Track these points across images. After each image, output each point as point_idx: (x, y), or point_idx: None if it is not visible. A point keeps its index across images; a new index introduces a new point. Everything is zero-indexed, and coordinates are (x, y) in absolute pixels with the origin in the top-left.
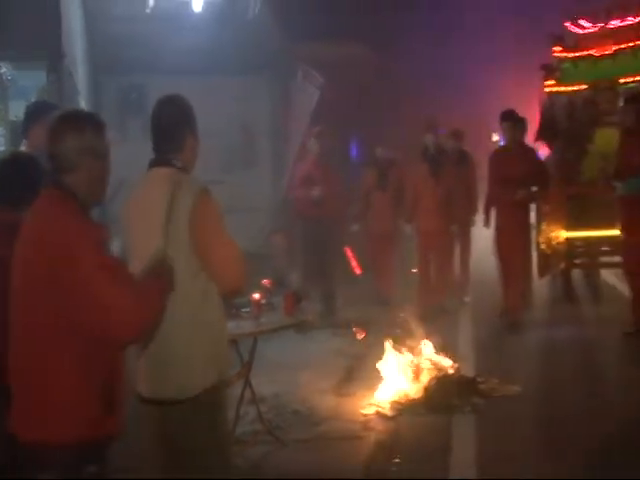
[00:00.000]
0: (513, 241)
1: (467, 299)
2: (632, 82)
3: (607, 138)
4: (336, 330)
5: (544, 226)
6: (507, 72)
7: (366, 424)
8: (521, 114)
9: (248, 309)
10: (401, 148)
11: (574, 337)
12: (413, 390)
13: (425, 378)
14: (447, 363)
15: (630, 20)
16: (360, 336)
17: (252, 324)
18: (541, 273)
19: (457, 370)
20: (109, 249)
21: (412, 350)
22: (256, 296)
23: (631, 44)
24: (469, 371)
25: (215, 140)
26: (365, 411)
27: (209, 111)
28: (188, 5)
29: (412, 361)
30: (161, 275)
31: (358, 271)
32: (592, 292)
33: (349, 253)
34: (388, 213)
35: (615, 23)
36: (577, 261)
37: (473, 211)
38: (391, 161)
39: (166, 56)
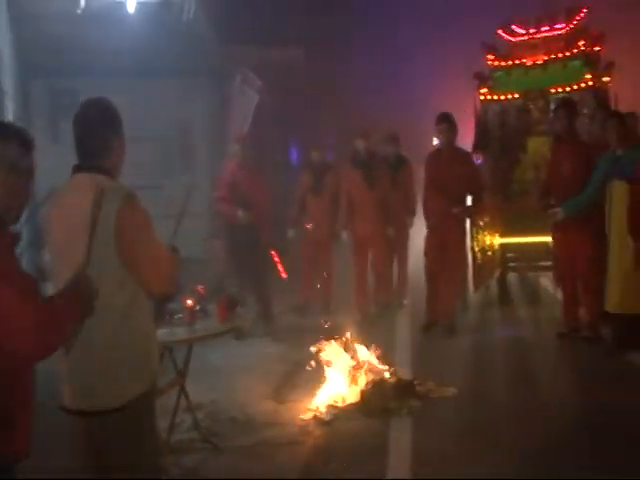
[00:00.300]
0: (448, 241)
1: (406, 302)
2: (562, 92)
3: (539, 147)
4: (275, 336)
5: (479, 234)
6: (447, 77)
7: (304, 429)
8: (460, 120)
9: (181, 315)
10: (338, 152)
11: (509, 339)
12: (350, 394)
13: (362, 382)
14: (384, 367)
15: (559, 30)
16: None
17: (186, 330)
18: (476, 285)
19: (394, 373)
20: (20, 264)
21: (350, 354)
22: (189, 302)
23: (560, 54)
24: (406, 374)
25: (153, 144)
26: (303, 416)
27: (146, 114)
28: (122, 6)
29: (350, 365)
30: (79, 297)
31: (284, 275)
32: (527, 295)
33: (275, 257)
34: (324, 218)
35: (545, 32)
36: (512, 265)
37: (411, 213)
38: (327, 165)
39: (100, 58)
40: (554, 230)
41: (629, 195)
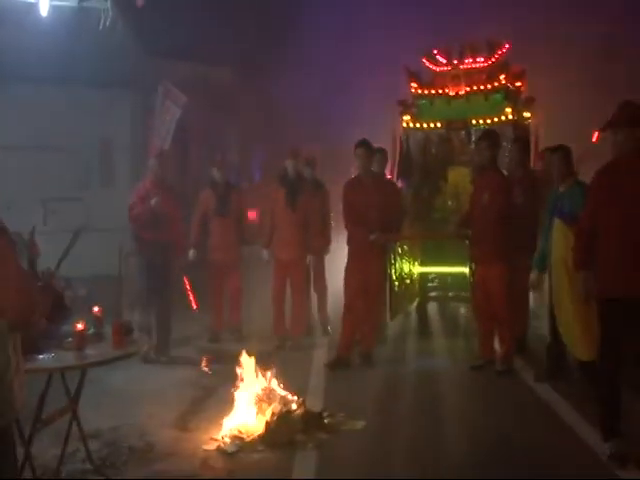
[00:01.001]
0: (368, 274)
1: (330, 328)
2: (483, 124)
3: (459, 177)
4: (183, 360)
5: (397, 262)
6: (375, 103)
7: (205, 461)
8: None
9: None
10: (270, 171)
11: (424, 371)
12: (256, 425)
13: (269, 413)
14: (293, 397)
15: (481, 63)
16: (206, 367)
17: (74, 356)
18: (393, 314)
19: (302, 404)
20: None
21: (259, 384)
22: (79, 326)
23: (482, 87)
24: (317, 405)
25: (71, 155)
26: (206, 447)
27: (64, 124)
28: (34, 8)
29: (257, 395)
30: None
31: (194, 306)
32: (447, 325)
33: (187, 285)
34: (230, 240)
35: (468, 64)
36: (431, 294)
37: (326, 241)
38: (230, 185)
39: (11, 62)
40: (471, 261)
41: (566, 236)
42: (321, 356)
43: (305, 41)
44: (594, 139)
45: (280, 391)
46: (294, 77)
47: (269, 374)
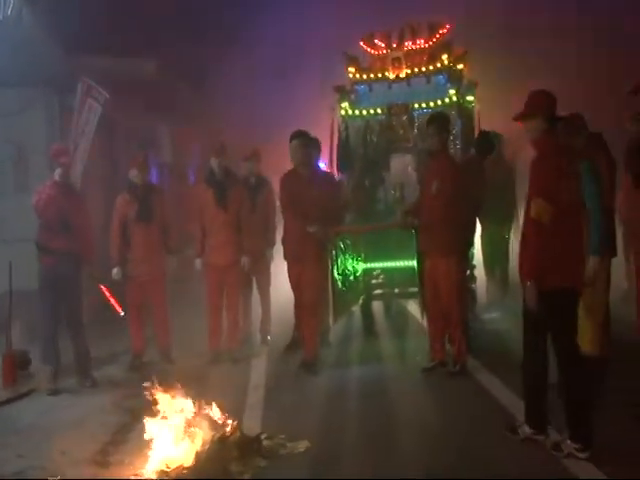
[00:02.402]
0: (307, 273)
1: (269, 338)
2: (426, 107)
3: (403, 165)
4: (109, 382)
5: (339, 258)
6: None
7: None
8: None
9: None
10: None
11: (371, 377)
12: (184, 455)
13: (199, 441)
14: (226, 421)
15: (421, 44)
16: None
17: None
18: (336, 315)
19: (236, 428)
20: None
21: (188, 408)
22: None
23: (423, 68)
24: (254, 427)
25: None
26: None
27: None
28: None
29: (187, 421)
30: None
31: (120, 311)
32: (394, 324)
33: (106, 292)
34: (154, 250)
35: (408, 46)
36: (376, 292)
37: (270, 243)
38: (151, 187)
39: None
40: (420, 255)
41: None
42: (260, 369)
43: (236, 26)
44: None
45: (212, 414)
46: (226, 67)
47: (199, 396)
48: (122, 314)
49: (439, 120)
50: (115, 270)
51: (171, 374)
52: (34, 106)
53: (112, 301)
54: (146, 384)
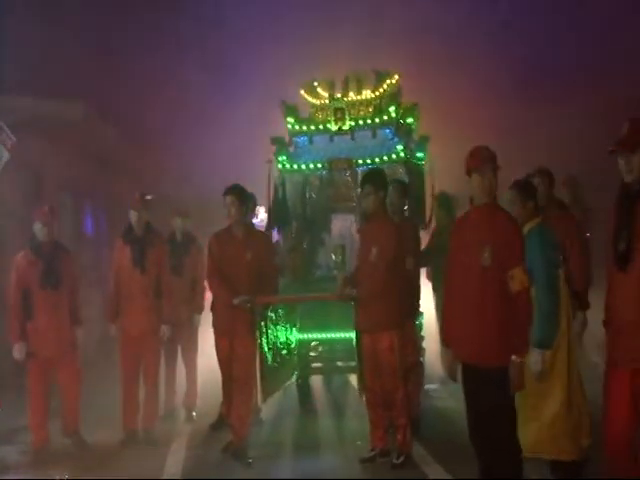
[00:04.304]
0: (237, 347)
1: (194, 414)
2: (371, 163)
3: (345, 227)
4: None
5: (270, 329)
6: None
7: None
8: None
9: None
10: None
11: (305, 468)
12: None
13: None
14: None
15: (367, 95)
16: None
17: None
18: (265, 395)
19: None
20: None
21: None
22: None
23: (369, 121)
24: None
25: None
26: None
27: None
28: None
29: None
30: None
31: None
32: (334, 402)
33: None
34: (61, 322)
35: (352, 96)
36: (314, 365)
37: (197, 308)
38: (56, 245)
39: None
40: (357, 329)
41: None
42: (179, 454)
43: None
44: None
45: None
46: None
47: None
48: None
49: (374, 178)
50: (17, 347)
51: (76, 459)
52: None
53: None
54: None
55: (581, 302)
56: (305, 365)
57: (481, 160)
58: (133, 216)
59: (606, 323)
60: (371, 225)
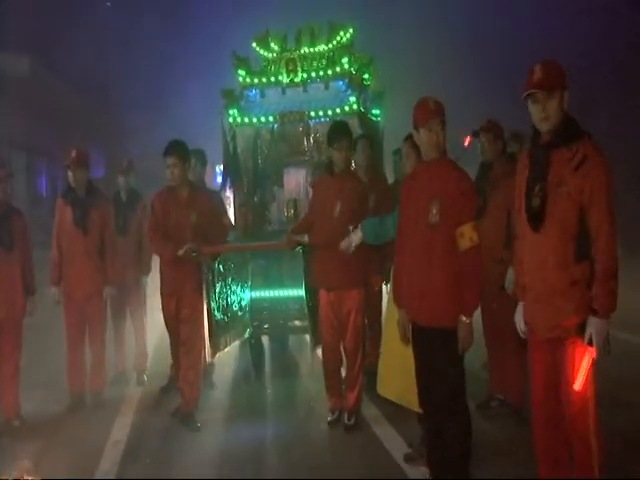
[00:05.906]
0: (183, 308)
1: (146, 377)
2: (324, 115)
3: (298, 181)
4: None
5: (219, 285)
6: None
7: None
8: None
9: None
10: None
11: (258, 433)
12: None
13: None
14: None
15: (319, 47)
16: None
17: None
18: (214, 351)
19: None
20: None
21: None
22: None
23: (321, 73)
24: None
25: None
26: None
27: None
28: None
29: None
30: None
31: None
32: (289, 364)
33: None
34: (13, 287)
35: (305, 49)
36: (266, 326)
37: (144, 269)
38: (10, 207)
39: None
40: (315, 285)
41: None
42: (127, 418)
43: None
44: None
45: None
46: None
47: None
48: None
49: (344, 134)
50: None
51: (18, 428)
52: None
53: None
54: None
55: None
56: (258, 324)
57: (428, 114)
58: (70, 175)
59: (520, 290)
60: (336, 180)
